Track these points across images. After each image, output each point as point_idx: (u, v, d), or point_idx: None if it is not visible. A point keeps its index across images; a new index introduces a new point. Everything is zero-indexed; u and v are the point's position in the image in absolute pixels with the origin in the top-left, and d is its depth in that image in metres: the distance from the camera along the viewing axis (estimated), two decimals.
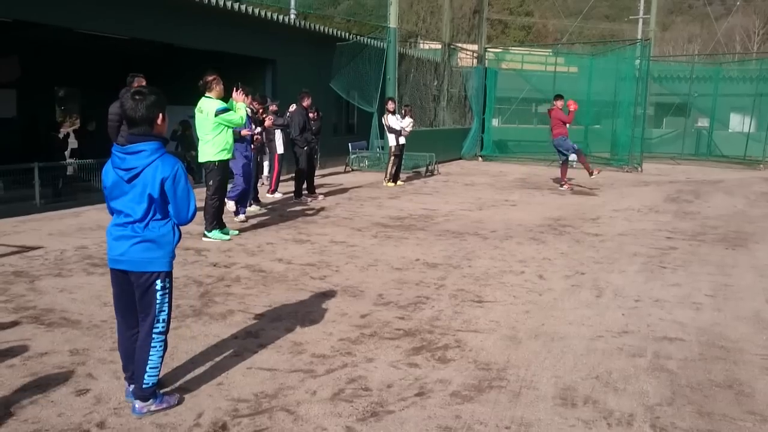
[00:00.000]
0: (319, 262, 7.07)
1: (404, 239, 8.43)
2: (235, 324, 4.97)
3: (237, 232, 8.44)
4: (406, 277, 6.51)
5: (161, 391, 3.60)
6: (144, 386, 3.44)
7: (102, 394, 3.69)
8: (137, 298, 3.46)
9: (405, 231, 9.01)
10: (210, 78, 7.93)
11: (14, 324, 4.84)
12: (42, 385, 3.79)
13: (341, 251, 7.63)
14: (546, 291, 6.14)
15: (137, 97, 3.30)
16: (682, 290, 6.28)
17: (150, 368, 3.44)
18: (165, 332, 3.50)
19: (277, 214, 10.14)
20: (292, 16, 17.75)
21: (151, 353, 3.44)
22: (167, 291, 3.47)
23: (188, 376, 3.97)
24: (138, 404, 3.47)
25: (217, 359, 4.26)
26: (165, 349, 3.53)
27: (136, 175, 3.28)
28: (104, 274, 6.31)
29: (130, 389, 3.56)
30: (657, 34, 29.87)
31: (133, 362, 3.51)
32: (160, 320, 3.46)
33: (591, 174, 13.95)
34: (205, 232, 8.03)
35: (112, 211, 3.46)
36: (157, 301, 3.43)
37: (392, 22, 17.72)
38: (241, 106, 8.07)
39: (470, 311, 5.45)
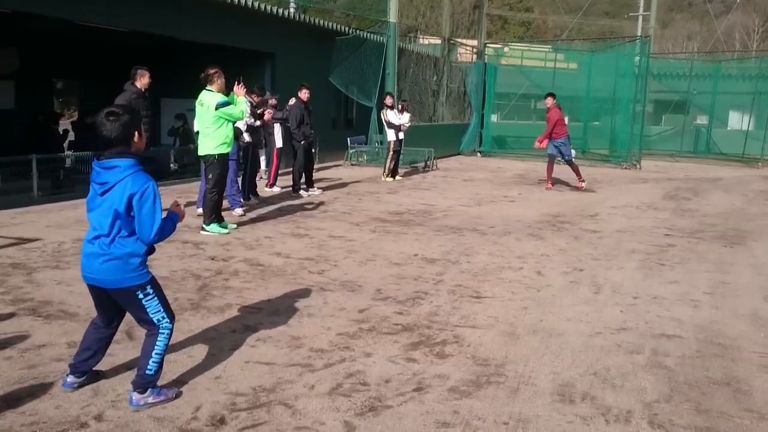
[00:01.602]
0: (317, 256, 7.06)
1: (403, 234, 8.43)
2: (233, 318, 4.96)
3: (235, 225, 8.42)
4: (405, 272, 6.50)
5: (159, 385, 3.59)
6: (146, 373, 3.45)
7: (99, 386, 3.69)
8: (126, 308, 3.53)
9: (403, 226, 9.00)
10: (212, 71, 7.93)
11: (11, 316, 4.83)
12: (40, 377, 3.78)
13: (340, 246, 7.62)
14: (544, 287, 6.15)
15: (111, 117, 3.28)
16: (680, 287, 6.29)
17: (155, 353, 3.47)
18: (170, 323, 3.55)
19: (276, 208, 10.13)
20: (292, 10, 17.73)
21: (159, 339, 3.49)
22: (152, 295, 3.46)
23: (186, 370, 3.97)
24: (135, 396, 3.47)
25: (215, 353, 4.25)
26: (170, 340, 3.57)
27: (108, 190, 3.30)
28: None
29: (68, 379, 3.63)
30: (657, 31, 29.89)
31: (86, 357, 3.60)
32: (161, 318, 3.49)
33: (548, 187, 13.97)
34: (204, 226, 8.02)
35: None
36: (147, 308, 3.45)
37: (392, 17, 17.68)
38: (242, 100, 8.05)
39: (468, 307, 5.45)
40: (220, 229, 8.05)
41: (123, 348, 4.26)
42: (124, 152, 3.32)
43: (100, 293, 3.47)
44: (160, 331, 3.49)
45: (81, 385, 3.65)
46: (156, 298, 3.47)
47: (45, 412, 3.38)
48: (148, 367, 3.46)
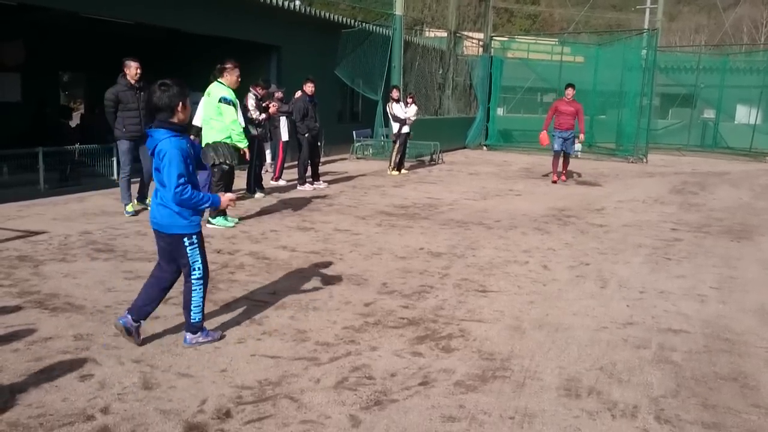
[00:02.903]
0: (323, 250, 7.06)
1: (408, 228, 8.42)
2: (238, 311, 4.97)
3: (237, 219, 8.42)
4: (410, 266, 6.50)
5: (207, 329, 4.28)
6: (192, 321, 4.17)
7: (106, 379, 3.70)
8: (173, 252, 4.12)
9: (409, 220, 8.99)
10: (229, 65, 7.88)
11: (18, 308, 4.84)
12: (46, 369, 3.79)
13: (345, 239, 7.61)
14: (550, 281, 6.13)
15: (162, 87, 3.90)
16: (687, 282, 6.26)
17: (194, 306, 4.14)
18: (202, 277, 4.14)
19: (281, 202, 10.13)
20: (297, 3, 17.65)
21: (193, 295, 4.13)
22: (196, 245, 4.09)
23: (192, 363, 3.97)
24: (189, 336, 4.20)
25: (221, 346, 4.26)
26: (205, 290, 4.20)
27: (152, 153, 3.96)
28: (108, 260, 6.31)
29: (126, 316, 4.19)
30: (664, 24, 29.65)
31: (143, 300, 4.20)
32: (196, 269, 4.11)
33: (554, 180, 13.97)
34: (209, 219, 8.02)
35: None
36: (189, 255, 4.07)
37: (398, 10, 17.61)
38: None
39: (474, 301, 5.44)
40: (225, 222, 8.06)
41: (129, 341, 4.27)
42: (165, 122, 3.92)
43: (160, 237, 4.14)
44: (193, 287, 4.11)
45: (128, 332, 4.17)
46: (198, 249, 4.10)
47: (52, 404, 3.39)
48: (192, 317, 4.16)
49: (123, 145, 8.47)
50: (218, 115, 7.88)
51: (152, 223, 4.11)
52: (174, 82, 3.94)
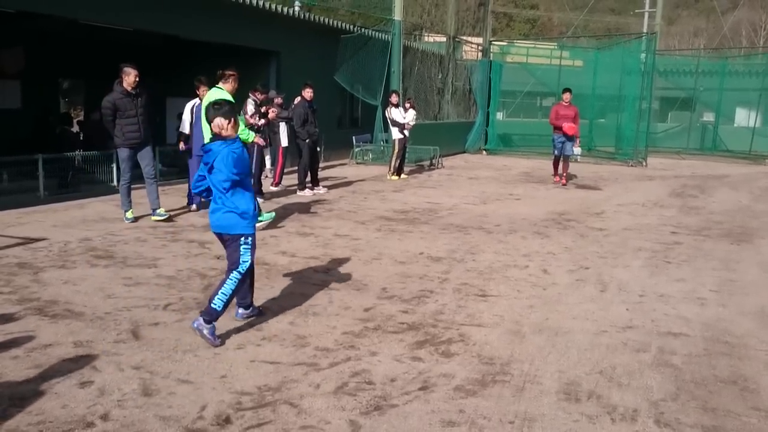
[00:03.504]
0: (322, 255, 7.06)
1: (408, 233, 8.42)
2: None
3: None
4: (410, 271, 6.50)
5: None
6: (212, 306, 4.32)
7: (106, 386, 3.69)
8: (226, 249, 4.53)
9: (409, 224, 8.99)
10: (229, 72, 7.89)
11: (18, 315, 4.84)
12: (46, 376, 3.79)
13: (345, 244, 7.62)
14: (550, 285, 6.13)
15: (216, 107, 4.43)
16: (686, 285, 6.26)
17: (221, 293, 4.35)
18: (245, 272, 4.47)
19: (281, 207, 10.13)
20: (297, 8, 17.70)
21: (227, 282, 4.39)
22: (249, 245, 4.50)
23: (192, 369, 3.97)
24: (198, 321, 4.33)
25: (221, 352, 4.26)
26: (240, 288, 4.49)
27: (212, 166, 4.36)
28: (107, 267, 6.31)
29: (239, 311, 4.86)
30: (663, 27, 29.70)
31: (241, 297, 4.75)
32: (244, 262, 4.46)
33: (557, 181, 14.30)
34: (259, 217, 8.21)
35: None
36: (241, 253, 4.46)
37: (397, 15, 17.64)
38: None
39: (474, 305, 5.44)
40: (268, 215, 8.47)
41: (129, 347, 4.28)
42: (217, 136, 4.40)
43: (221, 241, 4.60)
44: (231, 276, 4.40)
45: (249, 317, 4.85)
46: (251, 249, 4.51)
47: (51, 411, 3.39)
48: (214, 302, 4.32)
49: (123, 153, 8.47)
50: None
51: (215, 227, 4.51)
52: (225, 102, 4.54)
